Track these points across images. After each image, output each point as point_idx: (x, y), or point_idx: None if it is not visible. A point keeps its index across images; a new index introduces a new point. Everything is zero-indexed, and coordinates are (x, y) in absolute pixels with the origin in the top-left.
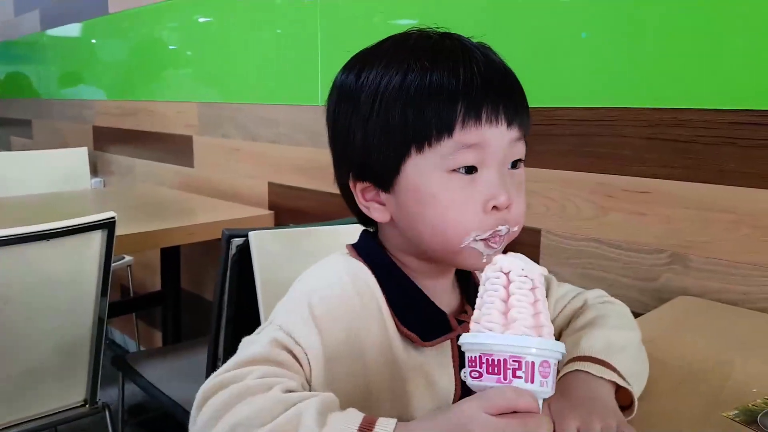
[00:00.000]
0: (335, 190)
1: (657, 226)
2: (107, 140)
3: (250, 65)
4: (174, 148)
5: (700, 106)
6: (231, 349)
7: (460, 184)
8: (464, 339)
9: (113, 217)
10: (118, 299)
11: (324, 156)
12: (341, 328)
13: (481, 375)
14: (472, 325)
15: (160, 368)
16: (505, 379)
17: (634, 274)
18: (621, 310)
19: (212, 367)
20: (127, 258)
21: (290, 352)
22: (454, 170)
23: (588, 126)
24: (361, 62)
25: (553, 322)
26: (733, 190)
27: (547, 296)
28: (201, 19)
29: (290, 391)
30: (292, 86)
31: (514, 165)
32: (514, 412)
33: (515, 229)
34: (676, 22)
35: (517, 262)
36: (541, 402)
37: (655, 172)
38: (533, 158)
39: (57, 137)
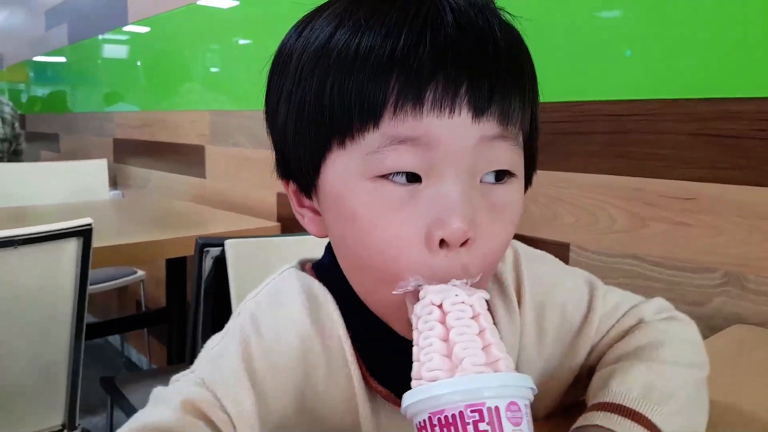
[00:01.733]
0: None
1: (705, 239)
2: (126, 152)
3: (260, 70)
4: (187, 159)
5: (754, 94)
6: None
7: (393, 200)
8: (405, 402)
9: (89, 224)
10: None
11: None
12: (291, 386)
13: None
14: (413, 384)
15: (148, 391)
16: None
17: (679, 298)
18: (686, 332)
19: None
20: (140, 273)
21: (209, 421)
22: (383, 177)
23: (622, 122)
24: (309, 15)
25: (593, 352)
26: None
27: (589, 312)
28: (213, 26)
29: None
30: None
31: (497, 178)
32: None
33: (476, 279)
34: None
35: (448, 289)
36: None
37: (701, 175)
38: (558, 160)
39: (83, 150)
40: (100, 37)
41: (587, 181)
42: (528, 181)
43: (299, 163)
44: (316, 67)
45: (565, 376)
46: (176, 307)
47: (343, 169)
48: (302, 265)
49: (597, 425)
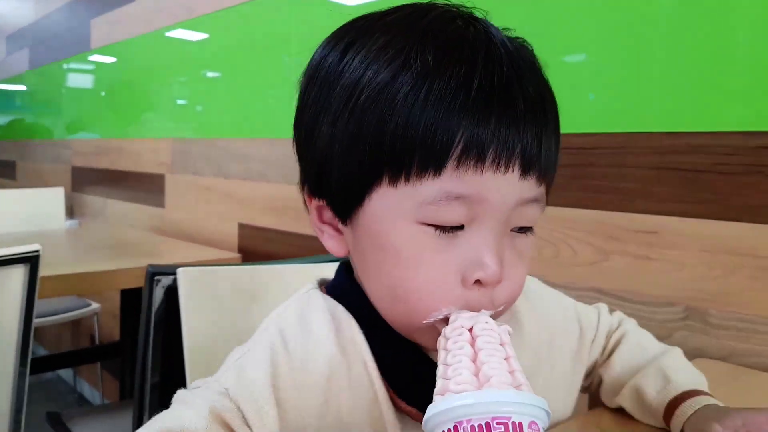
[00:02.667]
0: (310, 231)
1: (667, 273)
2: (84, 181)
3: (224, 98)
4: (146, 187)
5: (719, 128)
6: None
7: (436, 242)
8: (430, 411)
9: (37, 251)
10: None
11: (296, 193)
12: (314, 407)
13: None
14: (436, 399)
15: (96, 428)
16: None
17: None
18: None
19: None
20: (94, 305)
21: (232, 429)
22: (432, 224)
23: (586, 155)
24: (353, 35)
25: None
26: (760, 229)
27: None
28: (177, 45)
29: None
30: (266, 119)
31: (520, 231)
32: None
33: (501, 308)
34: (687, 33)
35: (478, 315)
36: None
37: (665, 209)
38: None
39: (39, 178)
40: (65, 66)
41: (550, 214)
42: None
43: (342, 190)
44: (377, 103)
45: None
46: (130, 340)
47: (391, 206)
48: (320, 286)
49: (713, 404)
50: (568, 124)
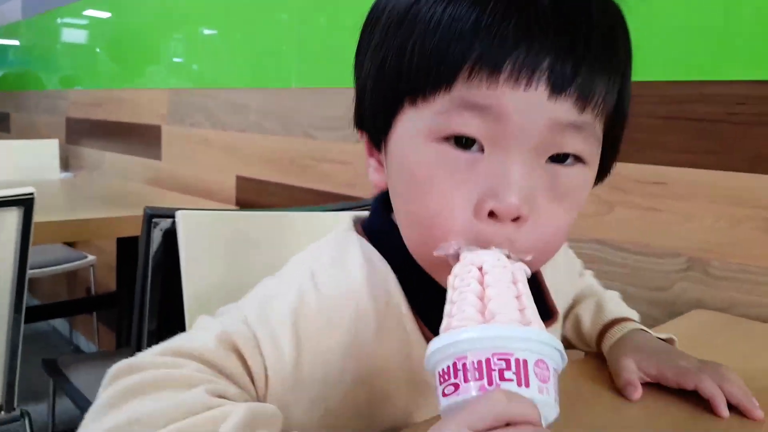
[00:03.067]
0: (308, 184)
1: (674, 224)
2: (79, 132)
3: (223, 47)
4: (143, 139)
5: (731, 77)
6: None
7: (452, 165)
8: (431, 347)
9: (31, 193)
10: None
11: (295, 144)
12: (337, 344)
13: (457, 387)
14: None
15: (92, 375)
16: (490, 384)
17: (641, 283)
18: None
19: None
20: (90, 257)
21: (242, 358)
22: (446, 139)
23: None
24: None
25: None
26: None
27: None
28: (174, 5)
29: (221, 397)
30: (265, 68)
31: (562, 159)
32: (508, 425)
33: (527, 258)
34: None
35: (491, 252)
36: (544, 424)
37: (673, 159)
38: None
39: (33, 130)
40: (58, 20)
41: None
42: (605, 171)
43: (373, 117)
44: (400, 27)
45: None
46: (126, 291)
47: (411, 127)
48: (355, 225)
49: (640, 329)
50: None
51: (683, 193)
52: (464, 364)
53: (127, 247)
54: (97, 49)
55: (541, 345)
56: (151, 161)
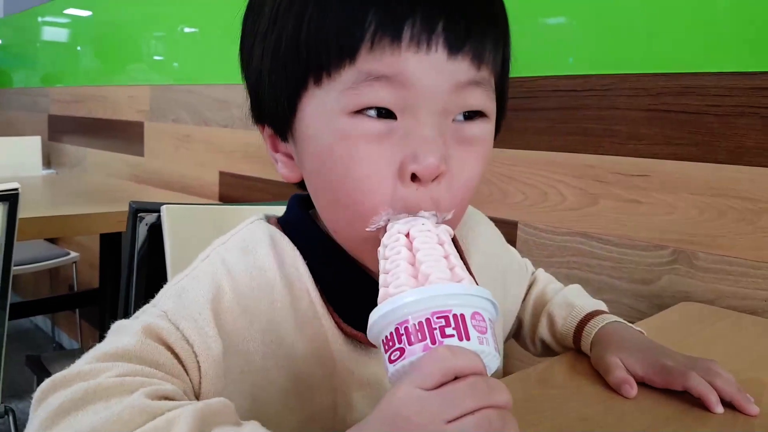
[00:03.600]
0: None
1: (657, 216)
2: (61, 129)
3: (204, 44)
4: (125, 135)
5: (712, 69)
6: None
7: (368, 135)
8: (372, 318)
9: (16, 189)
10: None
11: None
12: (258, 331)
13: (402, 351)
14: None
15: None
16: (433, 343)
17: (627, 276)
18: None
19: None
20: (72, 254)
21: (171, 349)
22: (359, 112)
23: (575, 97)
24: None
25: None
26: (753, 171)
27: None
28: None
29: (163, 399)
30: None
31: (468, 117)
32: (456, 379)
33: (449, 216)
34: None
35: (415, 219)
36: (488, 372)
37: (655, 152)
38: (510, 137)
39: (14, 128)
40: (39, 19)
41: (539, 159)
42: (497, 129)
43: (275, 104)
44: (293, 5)
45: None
46: (110, 288)
47: (320, 106)
48: (268, 219)
49: (615, 321)
50: (555, 66)
51: (666, 186)
52: (406, 328)
53: (110, 244)
54: (78, 47)
55: (475, 298)
56: (133, 158)
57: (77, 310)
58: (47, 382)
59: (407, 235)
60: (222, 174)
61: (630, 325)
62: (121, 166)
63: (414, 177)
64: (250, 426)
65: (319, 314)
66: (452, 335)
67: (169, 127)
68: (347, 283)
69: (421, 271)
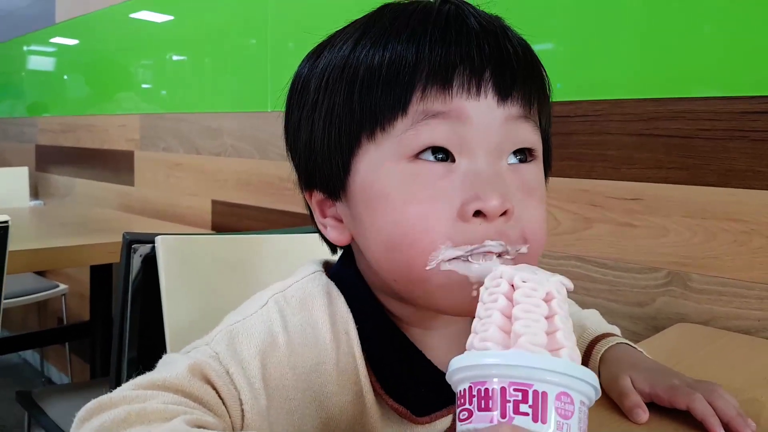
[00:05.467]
0: (285, 206)
1: (650, 239)
2: (49, 159)
3: (194, 71)
4: (114, 165)
5: (703, 94)
6: None
7: (426, 176)
8: (452, 366)
9: (6, 222)
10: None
11: (272, 168)
12: (301, 390)
13: (471, 414)
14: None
15: (69, 407)
16: (503, 416)
17: (623, 299)
18: None
19: None
20: (62, 286)
21: (217, 390)
22: (417, 156)
23: (568, 123)
24: (323, 44)
25: None
26: (743, 193)
27: None
28: (143, 24)
29: (202, 428)
30: (238, 92)
31: (521, 160)
32: None
33: (523, 249)
34: None
35: (524, 268)
36: None
37: (648, 175)
38: None
39: (2, 158)
40: (25, 48)
41: None
42: (547, 167)
43: (328, 168)
44: (343, 74)
45: None
46: (101, 320)
47: (375, 159)
48: (324, 266)
49: (625, 343)
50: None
51: (659, 209)
52: (479, 390)
53: (101, 275)
54: (65, 76)
55: (568, 379)
56: (123, 187)
57: (67, 344)
58: (92, 402)
59: (511, 283)
60: (214, 203)
61: (636, 346)
62: (110, 195)
63: (477, 214)
64: None
65: (362, 381)
66: (527, 413)
67: (160, 156)
68: (394, 354)
69: (514, 330)
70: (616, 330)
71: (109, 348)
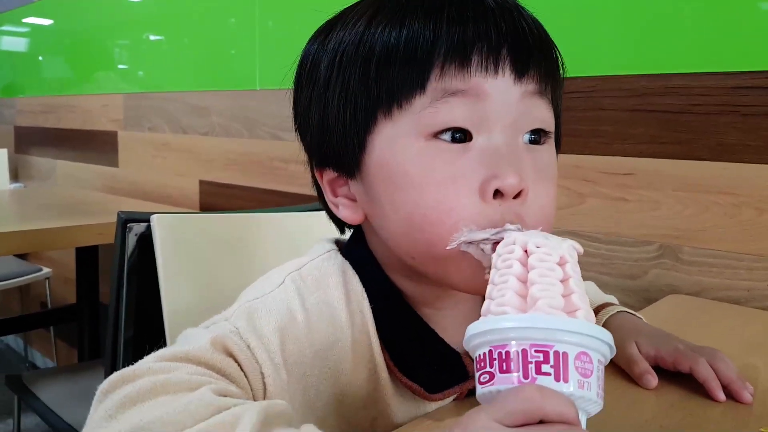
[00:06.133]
0: (275, 186)
1: (643, 213)
2: (29, 141)
3: (179, 48)
4: (97, 146)
5: (696, 70)
6: None
7: (445, 155)
8: (469, 331)
9: None
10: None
11: (261, 147)
12: (318, 367)
13: (492, 376)
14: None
15: (60, 390)
16: (525, 377)
17: (616, 271)
18: None
19: None
20: (45, 270)
21: (239, 363)
22: (435, 135)
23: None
24: (333, 22)
25: None
26: (733, 167)
27: None
28: (120, 2)
29: (227, 396)
30: (226, 70)
31: (535, 140)
32: (542, 422)
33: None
34: None
35: (536, 234)
36: (584, 419)
37: (640, 150)
38: None
39: None
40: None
41: None
42: (558, 143)
43: (343, 145)
44: (358, 51)
45: None
46: (88, 303)
47: (392, 136)
48: (337, 244)
49: (624, 311)
50: None
51: (652, 183)
52: (500, 353)
53: (87, 258)
54: (41, 57)
55: (586, 338)
56: (107, 168)
57: (51, 328)
58: (115, 374)
59: (525, 249)
60: (202, 183)
61: (635, 313)
62: (94, 177)
63: (496, 194)
64: (307, 428)
65: (376, 359)
66: (548, 373)
67: (145, 136)
68: (407, 333)
69: (531, 294)
70: (614, 299)
71: (97, 331)
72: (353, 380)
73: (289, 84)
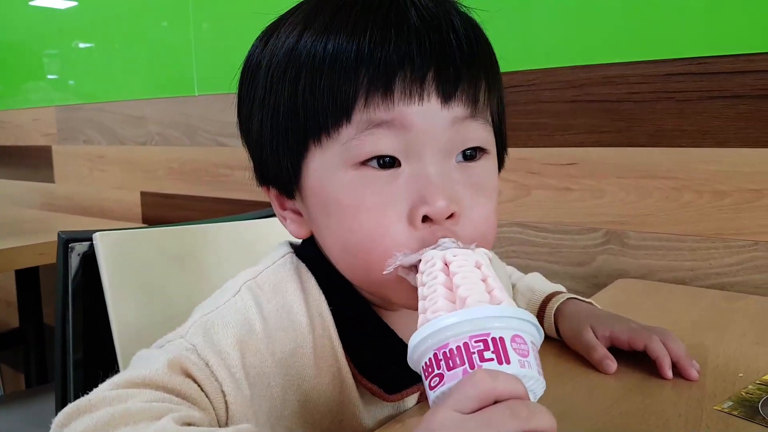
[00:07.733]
0: (221, 194)
1: (588, 201)
2: None
3: (111, 56)
4: (31, 162)
5: (631, 59)
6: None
7: (374, 184)
8: (410, 344)
9: None
10: None
11: (203, 154)
12: (280, 375)
13: (441, 377)
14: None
15: (11, 419)
16: (472, 368)
17: (564, 260)
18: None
19: None
20: None
21: (198, 384)
22: (362, 164)
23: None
24: (273, 25)
25: None
26: (671, 152)
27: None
28: (45, 11)
29: (190, 425)
30: (161, 77)
31: (470, 156)
32: (496, 403)
33: (473, 248)
34: None
35: (448, 246)
36: (532, 396)
37: (581, 140)
38: None
39: None
40: None
41: None
42: (500, 163)
43: (278, 167)
44: (287, 72)
45: None
46: (32, 326)
47: (324, 163)
48: (292, 248)
49: (572, 298)
50: None
51: (595, 172)
52: (444, 353)
53: (27, 280)
54: None
55: (515, 320)
56: (43, 185)
57: None
58: (70, 406)
59: (444, 261)
60: (144, 194)
61: (584, 299)
62: (29, 194)
63: (425, 218)
64: None
65: (340, 363)
66: (491, 359)
67: (81, 149)
68: (367, 335)
69: (459, 295)
70: (561, 288)
71: (43, 354)
72: (317, 385)
73: (229, 88)
